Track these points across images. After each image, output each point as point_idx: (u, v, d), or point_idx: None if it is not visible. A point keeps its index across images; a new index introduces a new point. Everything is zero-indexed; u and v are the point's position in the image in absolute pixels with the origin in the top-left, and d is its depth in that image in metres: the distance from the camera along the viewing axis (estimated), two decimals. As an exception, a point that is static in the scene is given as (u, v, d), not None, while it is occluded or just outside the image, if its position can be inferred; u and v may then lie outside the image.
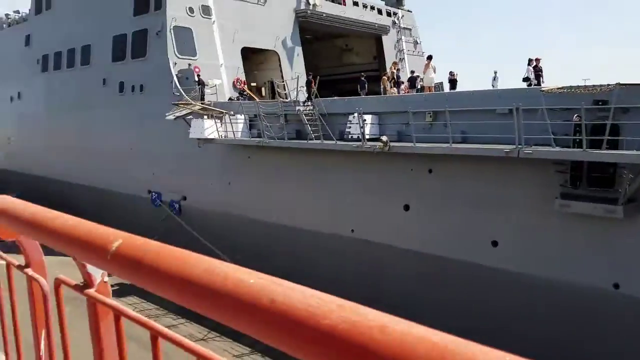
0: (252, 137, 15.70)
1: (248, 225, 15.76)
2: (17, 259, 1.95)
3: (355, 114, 12.54)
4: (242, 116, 15.93)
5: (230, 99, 18.83)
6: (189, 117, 16.40)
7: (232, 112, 15.94)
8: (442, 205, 11.49)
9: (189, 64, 18.33)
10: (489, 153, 10.12)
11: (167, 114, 17.03)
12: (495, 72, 17.71)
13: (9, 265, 1.92)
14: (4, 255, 1.95)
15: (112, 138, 20.65)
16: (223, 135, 15.74)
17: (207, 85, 17.69)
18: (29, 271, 1.78)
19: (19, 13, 30.29)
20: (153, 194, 19.08)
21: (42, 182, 25.02)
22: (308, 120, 13.74)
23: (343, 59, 28.28)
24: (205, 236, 16.68)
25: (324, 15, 23.19)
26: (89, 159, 21.93)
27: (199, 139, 15.86)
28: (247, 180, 16.01)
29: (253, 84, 21.30)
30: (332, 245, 13.44)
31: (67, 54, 23.55)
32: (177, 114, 16.39)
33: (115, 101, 20.55)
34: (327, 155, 13.46)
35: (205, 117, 15.90)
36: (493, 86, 16.98)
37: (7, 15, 31.25)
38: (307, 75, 17.83)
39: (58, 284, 1.47)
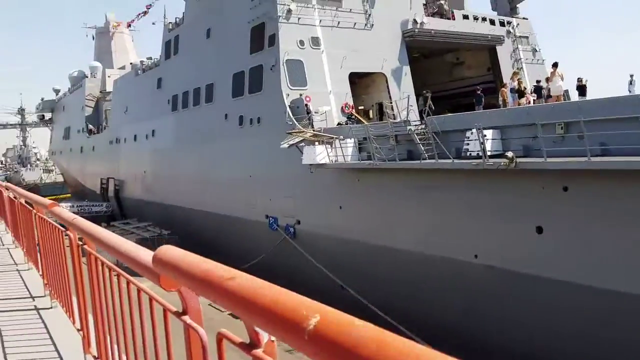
0: (362, 160, 15.62)
1: (360, 248, 15.57)
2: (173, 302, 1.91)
3: (474, 130, 11.78)
4: (352, 140, 15.98)
5: (339, 124, 19.09)
6: (301, 144, 16.89)
7: (341, 137, 16.07)
8: (583, 227, 10.18)
9: (300, 94, 19.02)
10: (636, 166, 8.77)
11: (281, 143, 17.78)
12: (632, 76, 15.76)
13: (165, 310, 1.89)
14: (162, 300, 1.93)
15: (233, 168, 22.07)
16: (333, 160, 15.88)
17: (317, 113, 18.20)
18: (187, 319, 1.70)
19: (151, 59, 34.20)
20: (270, 218, 19.87)
21: (171, 211, 27.52)
22: (420, 139, 13.26)
23: (454, 74, 27.27)
24: (318, 259, 16.85)
25: (432, 32, 22.64)
26: (212, 187, 23.66)
27: (311, 164, 16.20)
28: (357, 203, 15.90)
29: (361, 108, 21.40)
30: (453, 272, 12.63)
31: (193, 93, 25.93)
32: (291, 142, 16.98)
33: (235, 134, 22.01)
34: (443, 175, 12.81)
35: (317, 143, 16.24)
36: (630, 91, 15.10)
37: (142, 62, 35.47)
38: (421, 92, 17.38)
39: (220, 338, 1.34)
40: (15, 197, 7.35)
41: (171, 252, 1.47)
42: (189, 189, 25.79)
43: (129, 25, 47.49)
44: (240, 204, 21.39)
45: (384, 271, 14.71)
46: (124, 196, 35.66)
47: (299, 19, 19.93)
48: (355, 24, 21.27)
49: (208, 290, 1.13)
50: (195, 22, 26.35)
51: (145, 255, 1.77)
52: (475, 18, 25.61)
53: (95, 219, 35.42)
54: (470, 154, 12.22)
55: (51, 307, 4.97)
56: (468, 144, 12.39)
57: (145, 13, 39.53)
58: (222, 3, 23.87)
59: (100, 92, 45.54)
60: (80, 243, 3.39)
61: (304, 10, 20.08)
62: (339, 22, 20.91)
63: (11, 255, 7.74)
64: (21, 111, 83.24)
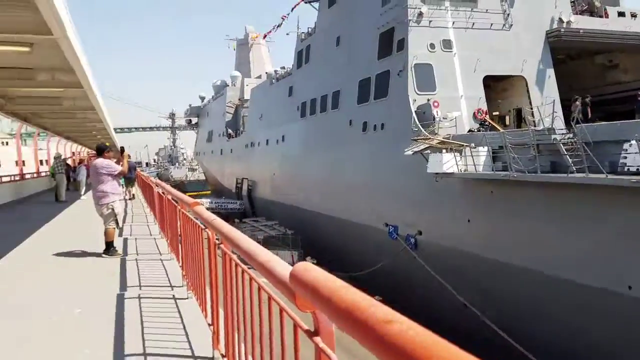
0: (496, 171, 14.45)
1: (488, 266, 14.41)
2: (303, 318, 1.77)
3: (633, 141, 10.17)
4: (485, 148, 14.90)
5: (470, 130, 18.00)
6: (427, 151, 16.25)
7: (472, 145, 15.07)
8: None
9: (428, 99, 18.35)
10: None
11: (405, 150, 17.31)
12: None
13: (296, 327, 1.75)
14: (293, 315, 1.80)
15: (355, 173, 22.18)
16: (462, 169, 14.94)
17: (446, 119, 17.36)
18: (319, 341, 1.53)
19: (284, 69, 36.14)
20: (390, 227, 19.46)
21: (296, 212, 28.66)
22: (568, 150, 11.79)
23: (606, 78, 24.08)
24: (439, 272, 16.02)
25: (581, 31, 20.24)
26: (334, 192, 24.06)
27: (436, 173, 15.47)
28: (489, 217, 14.72)
29: (495, 113, 19.93)
30: (599, 303, 10.99)
31: (320, 100, 26.71)
32: (416, 149, 16.43)
33: (359, 140, 22.09)
34: (594, 192, 11.22)
35: (444, 150, 15.46)
36: None
37: (275, 71, 37.68)
38: (572, 97, 15.57)
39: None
40: (163, 193, 8.14)
41: (311, 272, 1.31)
42: (313, 193, 26.59)
43: (265, 37, 50.86)
44: (361, 210, 21.36)
45: (514, 293, 13.43)
46: (255, 196, 38.15)
47: (430, 21, 19.29)
48: (492, 24, 19.93)
49: (353, 327, 0.93)
50: (325, 31, 27.12)
51: (281, 269, 1.66)
52: (634, 15, 22.35)
53: (229, 215, 38.59)
54: (628, 169, 10.55)
55: (187, 298, 5.29)
56: (625, 158, 10.72)
57: (280, 25, 41.97)
58: (352, 11, 24.20)
59: (239, 99, 49.52)
60: (217, 242, 3.50)
61: (436, 12, 19.37)
62: (473, 24, 19.77)
63: (157, 245, 8.58)
64: (172, 116, 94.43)
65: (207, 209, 5.21)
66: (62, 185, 18.37)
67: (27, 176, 23.52)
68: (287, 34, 38.66)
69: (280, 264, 1.74)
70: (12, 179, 20.35)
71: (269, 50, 58.96)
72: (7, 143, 60.25)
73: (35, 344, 4.19)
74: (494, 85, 20.46)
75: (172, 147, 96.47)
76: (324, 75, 26.53)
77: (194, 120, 68.91)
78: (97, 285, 5.99)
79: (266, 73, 44.99)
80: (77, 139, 36.94)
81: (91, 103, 15.76)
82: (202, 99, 66.35)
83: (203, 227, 4.18)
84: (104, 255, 7.51)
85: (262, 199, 36.48)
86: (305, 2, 32.78)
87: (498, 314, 13.76)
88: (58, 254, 7.79)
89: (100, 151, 7.81)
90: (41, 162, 32.00)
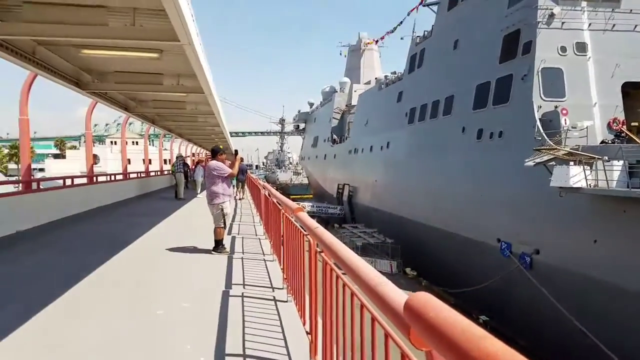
0: (633, 188, 12.62)
1: (613, 292, 12.62)
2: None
3: None
4: (620, 162, 13.13)
5: (603, 142, 16.00)
6: (551, 163, 14.71)
7: (606, 158, 13.35)
8: None
9: (556, 106, 16.67)
10: None
11: (526, 160, 15.85)
12: None
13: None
14: (402, 344, 1.49)
15: (465, 183, 20.92)
16: (592, 184, 13.31)
17: (575, 128, 15.59)
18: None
19: (395, 74, 35.56)
20: (502, 243, 18.01)
21: (396, 220, 27.92)
22: None
23: None
24: (558, 298, 14.39)
25: None
26: (440, 202, 22.94)
27: (561, 187, 13.92)
28: (619, 239, 12.90)
29: (634, 124, 17.48)
30: None
31: (431, 106, 25.75)
32: (538, 160, 14.94)
33: (472, 148, 20.83)
34: None
35: (572, 163, 13.86)
36: None
37: (385, 76, 37.22)
38: None
39: None
40: (269, 196, 8.24)
41: (433, 308, 0.98)
42: (417, 202, 25.66)
43: (377, 42, 50.67)
44: (469, 223, 20.08)
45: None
46: (356, 202, 38.05)
47: (562, 23, 17.56)
48: (635, 26, 17.60)
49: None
50: (443, 34, 26.10)
51: (395, 296, 1.34)
52: None
53: (329, 219, 38.96)
54: None
55: (287, 301, 5.19)
56: None
57: (393, 30, 41.47)
58: (473, 13, 22.98)
59: (346, 105, 49.99)
60: (319, 250, 3.28)
61: (571, 13, 17.59)
62: (614, 25, 17.62)
63: (261, 245, 8.71)
64: (282, 121, 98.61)
65: (308, 212, 5.13)
66: (181, 184, 19.52)
67: (152, 174, 25.73)
68: (402, 39, 38.19)
69: (393, 291, 1.41)
70: (139, 175, 22.42)
71: (380, 56, 58.67)
72: (137, 143, 67.69)
73: (140, 336, 4.27)
74: (635, 93, 17.99)
75: (280, 151, 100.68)
76: (438, 79, 25.56)
77: (302, 125, 71.15)
78: (204, 281, 6.12)
79: (375, 79, 44.81)
80: (196, 141, 40.02)
81: (211, 108, 16.64)
82: (311, 105, 68.30)
83: (305, 232, 4.02)
84: (213, 252, 7.76)
85: (362, 205, 36.26)
86: (424, 6, 32.00)
87: (627, 348, 11.98)
88: (172, 249, 8.19)
89: (214, 153, 8.03)
90: (165, 161, 35.21)
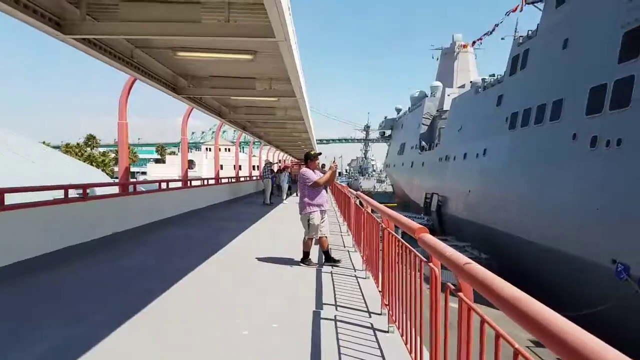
0: None
1: None
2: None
3: None
4: None
5: None
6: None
7: None
8: None
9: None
10: None
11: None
12: None
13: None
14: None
15: (575, 196, 18.62)
16: None
17: None
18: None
19: (494, 76, 33.19)
20: (619, 265, 15.69)
21: (492, 234, 25.73)
22: None
23: None
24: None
25: None
26: (544, 216, 20.67)
27: None
28: None
29: None
30: None
31: (536, 111, 23.51)
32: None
33: (584, 156, 18.53)
34: None
35: None
36: None
37: (483, 79, 34.86)
38: None
39: None
40: (360, 205, 7.51)
41: None
42: (516, 214, 23.43)
43: (474, 44, 47.97)
44: (578, 240, 17.82)
45: None
46: (445, 212, 36.07)
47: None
48: None
49: None
50: (550, 33, 23.76)
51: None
52: None
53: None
54: None
55: (388, 332, 4.38)
56: None
57: (491, 32, 38.87)
58: (587, 8, 20.59)
59: (437, 110, 47.98)
60: (453, 287, 2.43)
61: None
62: None
63: (350, 259, 7.95)
64: (366, 128, 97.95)
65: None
66: (269, 189, 19.61)
67: (242, 179, 26.33)
68: (502, 39, 35.66)
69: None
70: (230, 180, 22.90)
71: (475, 58, 55.67)
72: (228, 150, 71.03)
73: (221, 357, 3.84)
74: None
75: (364, 158, 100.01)
76: (544, 82, 23.29)
77: (387, 132, 69.87)
78: (293, 298, 5.54)
79: (470, 82, 42.46)
80: (283, 147, 40.73)
81: (300, 113, 16.66)
82: (398, 110, 66.82)
83: (425, 260, 3.20)
84: (301, 264, 7.20)
85: (452, 216, 34.21)
86: (528, 4, 29.67)
87: None
88: (260, 259, 7.75)
89: (306, 159, 7.30)
90: (253, 167, 36.06)
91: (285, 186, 21.91)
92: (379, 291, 5.13)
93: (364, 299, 5.52)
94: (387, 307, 4.54)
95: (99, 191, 13.56)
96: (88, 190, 8.60)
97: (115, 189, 11.13)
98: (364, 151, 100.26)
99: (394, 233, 4.43)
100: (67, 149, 74.00)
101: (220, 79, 12.34)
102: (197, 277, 6.47)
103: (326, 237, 7.19)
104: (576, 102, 19.81)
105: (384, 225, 4.82)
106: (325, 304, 5.26)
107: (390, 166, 63.14)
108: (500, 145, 27.23)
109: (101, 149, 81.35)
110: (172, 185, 13.84)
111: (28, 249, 6.67)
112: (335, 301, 5.38)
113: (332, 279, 6.40)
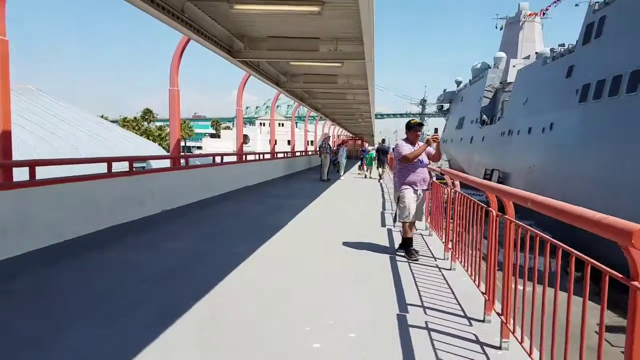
0: None
1: None
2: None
3: None
4: None
5: None
6: None
7: None
8: None
9: None
10: None
11: None
12: None
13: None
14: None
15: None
16: None
17: None
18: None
19: (564, 46, 30.92)
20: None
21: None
22: None
23: None
24: None
25: None
26: (619, 194, 19.24)
27: None
28: None
29: None
30: None
31: (611, 82, 21.71)
32: None
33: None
34: None
35: None
36: None
37: (552, 49, 32.55)
38: None
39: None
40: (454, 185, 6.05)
41: None
42: (585, 192, 21.97)
43: (544, 14, 44.55)
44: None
45: None
46: (507, 189, 34.60)
47: None
48: None
49: None
50: (631, -3, 21.67)
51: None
52: None
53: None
54: None
55: (500, 348, 3.27)
56: None
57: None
58: None
59: (501, 82, 45.60)
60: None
61: None
62: None
63: (427, 244, 6.87)
64: (423, 102, 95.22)
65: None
66: (326, 165, 18.98)
67: (297, 154, 25.62)
68: (577, 5, 32.98)
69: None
70: (285, 155, 22.63)
71: (542, 28, 52.07)
72: (282, 124, 71.22)
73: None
74: None
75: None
76: (622, 51, 21.38)
77: (446, 106, 67.52)
78: (370, 298, 4.42)
79: (536, 53, 39.89)
80: (340, 121, 40.26)
81: (363, 81, 15.76)
82: (458, 83, 64.23)
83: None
84: (398, 252, 6.08)
85: (514, 193, 32.70)
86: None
87: None
88: (325, 242, 6.80)
89: (408, 128, 6.26)
90: (309, 142, 35.99)
91: (343, 161, 21.44)
92: (483, 293, 3.92)
93: (455, 298, 4.36)
94: (500, 314, 3.39)
95: (155, 165, 13.12)
96: (139, 164, 7.89)
97: (166, 163, 10.52)
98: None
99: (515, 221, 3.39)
100: (125, 123, 73.79)
101: (279, 40, 10.99)
102: (255, 266, 5.47)
103: (413, 222, 6.05)
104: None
105: (495, 214, 3.80)
106: (410, 304, 4.18)
107: (448, 141, 61.20)
108: (570, 120, 25.48)
109: (158, 123, 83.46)
110: (226, 160, 13.09)
111: (63, 230, 5.90)
112: (422, 302, 4.26)
113: (412, 272, 5.26)
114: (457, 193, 5.56)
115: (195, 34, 9.04)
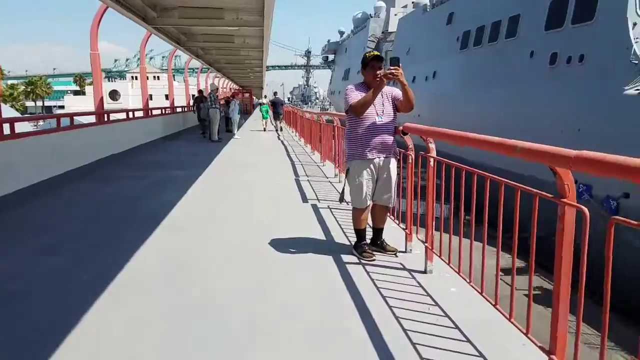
0: None
1: None
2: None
3: None
4: None
5: None
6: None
7: None
8: None
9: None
10: None
11: (626, 88, 13.21)
12: None
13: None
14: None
15: (534, 118, 18.24)
16: None
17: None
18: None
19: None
20: (580, 185, 15.74)
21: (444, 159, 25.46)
22: None
23: None
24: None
25: None
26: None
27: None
28: None
29: None
30: None
31: (490, 28, 22.50)
32: (645, 87, 12.33)
33: (543, 75, 17.97)
34: None
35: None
36: None
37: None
38: None
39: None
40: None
41: None
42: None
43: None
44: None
45: None
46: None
47: None
48: None
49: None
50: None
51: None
52: None
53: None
54: None
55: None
56: None
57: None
58: None
59: (383, 32, 45.96)
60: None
61: None
62: None
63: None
64: (308, 54, 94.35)
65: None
66: (216, 122, 15.94)
67: (178, 110, 21.71)
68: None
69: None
70: (163, 111, 18.82)
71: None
72: (158, 77, 65.17)
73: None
74: None
75: (306, 85, 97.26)
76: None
77: (331, 57, 67.27)
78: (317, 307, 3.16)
79: (412, 2, 40.54)
80: (228, 73, 37.93)
81: (259, 41, 17.12)
82: (341, 34, 63.97)
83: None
84: (354, 251, 4.20)
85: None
86: None
87: None
88: (230, 240, 4.83)
89: (362, 66, 4.09)
90: (192, 96, 32.71)
91: (236, 117, 18.78)
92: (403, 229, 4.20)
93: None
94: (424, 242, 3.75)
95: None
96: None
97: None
98: (305, 78, 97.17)
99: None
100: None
101: (189, 9, 12.78)
102: (125, 280, 3.63)
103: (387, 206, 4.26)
104: (534, 17, 18.95)
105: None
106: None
107: (335, 93, 61.33)
108: (451, 67, 26.34)
109: (10, 82, 71.78)
110: (83, 120, 10.67)
111: None
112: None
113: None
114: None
115: (114, 3, 10.10)
